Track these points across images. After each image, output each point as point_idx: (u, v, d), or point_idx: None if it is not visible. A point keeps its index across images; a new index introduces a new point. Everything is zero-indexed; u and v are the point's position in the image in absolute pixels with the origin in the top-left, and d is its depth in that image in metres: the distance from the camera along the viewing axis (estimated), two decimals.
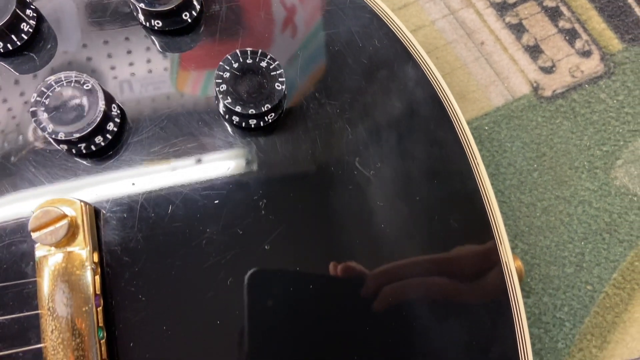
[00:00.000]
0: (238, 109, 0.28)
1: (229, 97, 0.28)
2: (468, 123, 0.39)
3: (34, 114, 0.27)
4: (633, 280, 0.36)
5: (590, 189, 0.38)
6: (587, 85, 0.39)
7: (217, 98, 0.28)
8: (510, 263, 0.29)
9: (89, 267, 0.26)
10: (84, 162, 0.28)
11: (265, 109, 0.28)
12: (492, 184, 0.38)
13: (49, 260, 0.25)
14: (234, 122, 0.29)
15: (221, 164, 0.29)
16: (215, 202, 0.28)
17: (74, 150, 0.28)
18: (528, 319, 0.36)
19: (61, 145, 0.27)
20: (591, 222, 0.37)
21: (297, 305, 0.27)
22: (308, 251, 0.28)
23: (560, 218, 0.37)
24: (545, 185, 0.38)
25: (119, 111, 0.28)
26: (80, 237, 0.26)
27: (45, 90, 0.27)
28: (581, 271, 0.36)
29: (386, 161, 0.30)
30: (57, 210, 0.25)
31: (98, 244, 0.27)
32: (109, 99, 0.28)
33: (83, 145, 0.27)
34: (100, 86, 0.27)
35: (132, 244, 0.27)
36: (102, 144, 0.28)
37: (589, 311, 0.36)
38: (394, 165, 0.30)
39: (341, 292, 0.28)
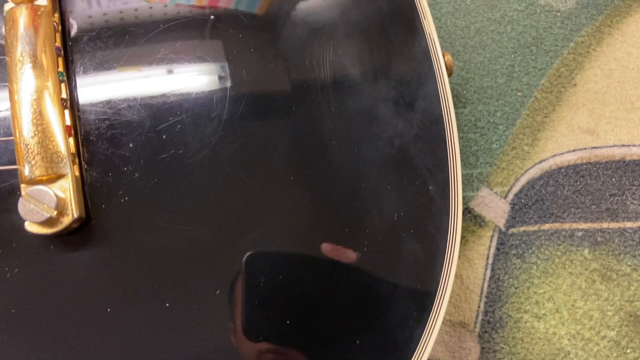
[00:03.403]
0: None
1: None
2: None
3: None
4: (560, 84, 0.39)
5: (518, 9, 0.41)
6: None
7: None
8: (432, 31, 0.33)
9: (50, 18, 0.29)
10: None
11: None
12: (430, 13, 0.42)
13: (16, 11, 0.29)
14: None
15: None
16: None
17: None
18: (465, 126, 0.39)
19: None
20: (519, 38, 0.41)
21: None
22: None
23: (491, 37, 0.41)
24: (477, 10, 0.41)
25: None
26: None
27: None
28: (512, 80, 0.40)
29: None
30: None
31: (59, 7, 0.31)
32: None
33: None
34: None
35: (93, 9, 0.31)
36: None
37: (520, 114, 0.39)
38: None
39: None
